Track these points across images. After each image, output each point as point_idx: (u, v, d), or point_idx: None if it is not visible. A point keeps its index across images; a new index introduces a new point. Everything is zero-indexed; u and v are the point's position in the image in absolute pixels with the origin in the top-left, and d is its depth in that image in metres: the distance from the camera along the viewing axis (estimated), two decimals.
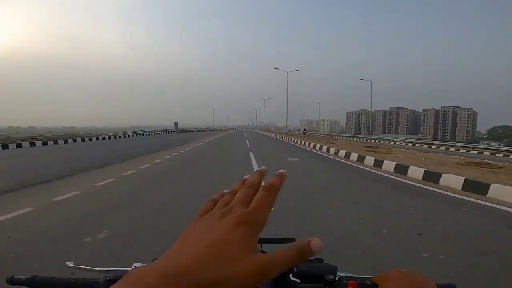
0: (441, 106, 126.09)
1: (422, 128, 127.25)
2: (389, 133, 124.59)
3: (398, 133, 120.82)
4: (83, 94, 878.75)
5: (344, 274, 0.56)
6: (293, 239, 0.62)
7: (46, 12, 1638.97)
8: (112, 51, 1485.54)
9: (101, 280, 0.58)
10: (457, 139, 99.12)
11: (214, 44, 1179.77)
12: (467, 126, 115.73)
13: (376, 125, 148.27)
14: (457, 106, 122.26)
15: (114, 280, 0.55)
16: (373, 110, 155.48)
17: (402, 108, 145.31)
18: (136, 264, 0.58)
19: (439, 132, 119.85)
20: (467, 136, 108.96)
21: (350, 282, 0.53)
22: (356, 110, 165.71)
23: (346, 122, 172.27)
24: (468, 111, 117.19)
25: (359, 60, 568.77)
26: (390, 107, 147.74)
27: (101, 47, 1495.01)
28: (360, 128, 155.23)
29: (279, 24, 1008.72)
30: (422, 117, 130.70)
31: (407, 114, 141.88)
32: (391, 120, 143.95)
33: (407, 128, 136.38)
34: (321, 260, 0.59)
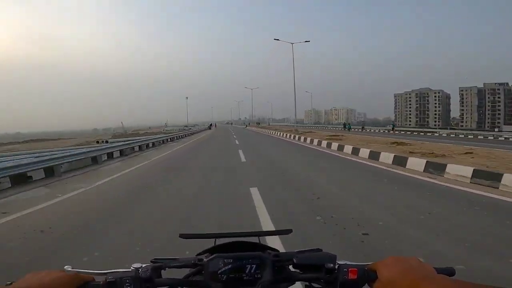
0: None
1: None
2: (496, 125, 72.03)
3: None
4: (31, 95, 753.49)
5: (344, 262, 0.57)
6: (290, 230, 0.69)
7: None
8: (72, 49, 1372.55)
9: (101, 282, 0.55)
10: None
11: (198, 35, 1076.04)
12: None
13: (467, 113, 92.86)
14: None
15: (114, 282, 0.55)
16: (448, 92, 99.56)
17: None
18: (135, 265, 0.57)
19: None
20: None
21: (350, 269, 0.54)
22: (415, 90, 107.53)
23: (396, 109, 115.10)
24: None
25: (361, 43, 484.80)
26: (484, 83, 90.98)
27: (59, 45, 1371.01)
28: (427, 117, 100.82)
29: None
30: None
31: None
32: (496, 104, 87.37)
33: None
34: (319, 250, 0.60)
